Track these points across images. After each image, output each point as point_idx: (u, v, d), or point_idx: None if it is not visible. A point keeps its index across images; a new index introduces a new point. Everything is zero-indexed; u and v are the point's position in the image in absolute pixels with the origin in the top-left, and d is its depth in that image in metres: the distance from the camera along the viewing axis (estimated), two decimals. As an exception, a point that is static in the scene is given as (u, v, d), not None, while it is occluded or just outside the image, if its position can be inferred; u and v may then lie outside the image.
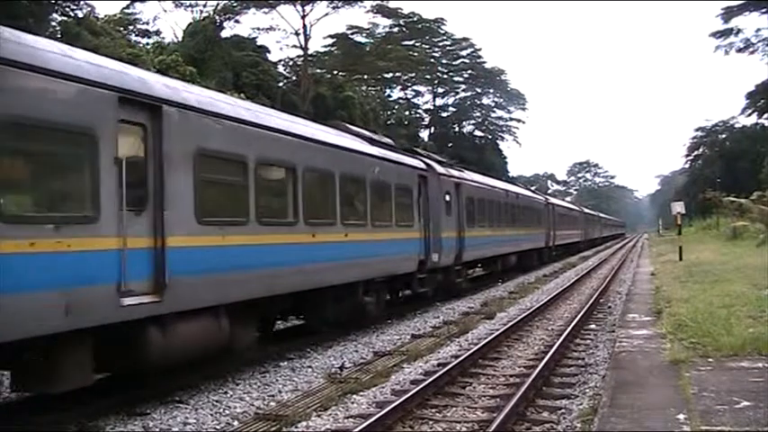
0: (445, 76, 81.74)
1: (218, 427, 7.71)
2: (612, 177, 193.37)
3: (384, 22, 67.80)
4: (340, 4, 55.24)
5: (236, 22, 51.79)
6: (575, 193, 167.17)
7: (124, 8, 50.50)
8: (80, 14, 35.60)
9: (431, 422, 7.63)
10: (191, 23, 44.75)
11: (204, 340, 8.72)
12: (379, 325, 14.90)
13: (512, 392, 8.40)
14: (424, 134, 78.78)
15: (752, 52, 68.45)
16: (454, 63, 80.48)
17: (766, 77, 68.37)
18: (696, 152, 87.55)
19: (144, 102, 7.82)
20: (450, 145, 75.21)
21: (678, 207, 31.18)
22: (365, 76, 68.56)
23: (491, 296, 20.80)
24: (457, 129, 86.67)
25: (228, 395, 8.98)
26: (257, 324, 10.57)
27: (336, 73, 61.42)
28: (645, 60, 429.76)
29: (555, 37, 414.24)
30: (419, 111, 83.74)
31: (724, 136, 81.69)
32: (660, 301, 14.22)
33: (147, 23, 53.47)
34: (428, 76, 79.43)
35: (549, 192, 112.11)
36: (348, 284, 12.64)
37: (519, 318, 14.80)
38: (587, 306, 16.50)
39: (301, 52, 55.60)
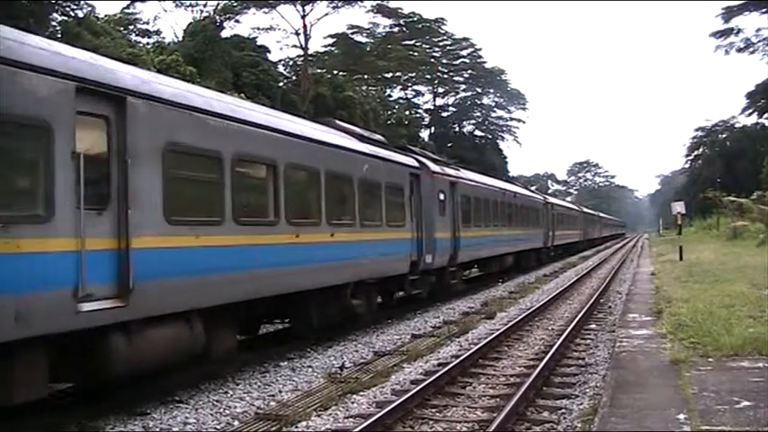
0: (445, 76, 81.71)
1: (218, 427, 7.71)
2: (612, 177, 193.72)
3: (384, 22, 67.98)
4: (340, 3, 55.27)
5: (237, 21, 51.87)
6: (575, 192, 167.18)
7: (124, 8, 50.55)
8: (80, 14, 35.61)
9: (431, 422, 7.63)
10: (191, 23, 44.72)
11: (176, 347, 8.23)
12: (379, 325, 14.91)
13: (512, 392, 8.41)
14: (425, 134, 78.75)
15: (752, 52, 68.68)
16: (454, 63, 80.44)
17: (766, 77, 68.54)
18: (696, 152, 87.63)
19: (106, 92, 7.30)
20: (450, 145, 75.18)
21: (678, 207, 31.20)
22: (365, 76, 68.60)
23: (491, 296, 20.80)
24: (457, 129, 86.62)
25: (228, 395, 8.98)
26: (237, 329, 10.18)
27: (336, 73, 61.46)
28: (645, 60, 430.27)
29: (555, 37, 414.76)
30: (419, 111, 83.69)
31: (724, 136, 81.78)
32: (660, 301, 14.22)
33: (147, 23, 53.55)
34: (428, 76, 79.42)
35: (550, 192, 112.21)
36: (335, 287, 12.12)
37: (519, 318, 14.81)
38: (587, 306, 16.50)
39: (301, 52, 55.63)
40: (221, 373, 9.93)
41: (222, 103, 9.89)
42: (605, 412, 6.36)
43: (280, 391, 9.19)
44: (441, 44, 76.39)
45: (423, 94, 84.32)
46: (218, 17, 47.70)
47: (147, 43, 46.27)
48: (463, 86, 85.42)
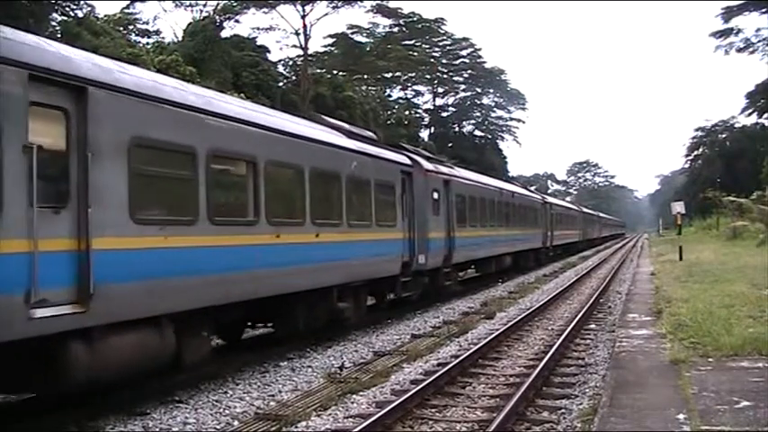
0: (445, 76, 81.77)
1: (218, 427, 7.71)
2: (612, 177, 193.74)
3: (384, 22, 68.06)
4: (340, 3, 55.30)
5: (236, 21, 51.95)
6: (575, 192, 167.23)
7: (124, 8, 50.59)
8: (80, 14, 35.68)
9: (431, 422, 7.63)
10: (191, 23, 44.77)
11: (143, 355, 7.74)
12: (379, 325, 14.91)
13: (512, 392, 8.41)
14: (425, 134, 78.80)
15: (752, 52, 68.72)
16: (454, 63, 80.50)
17: (766, 77, 68.57)
18: (696, 152, 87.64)
19: (65, 82, 6.75)
20: (450, 145, 75.24)
21: (678, 207, 31.21)
22: (365, 76, 68.65)
23: (491, 296, 20.80)
24: (457, 129, 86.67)
25: (228, 395, 8.97)
26: (212, 334, 9.77)
27: (336, 73, 61.50)
28: (645, 60, 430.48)
29: (555, 37, 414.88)
30: (419, 111, 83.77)
31: (724, 136, 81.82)
32: (660, 301, 14.22)
33: (147, 23, 53.65)
34: (428, 76, 79.48)
35: (549, 192, 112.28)
36: (321, 289, 11.63)
37: (519, 318, 14.81)
38: (587, 306, 16.50)
39: (301, 52, 55.67)
40: (221, 373, 9.92)
41: (196, 95, 9.30)
42: (605, 412, 6.36)
43: (279, 391, 9.18)
44: (440, 44, 76.46)
45: (422, 94, 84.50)
46: (217, 17, 47.76)
47: (147, 43, 46.32)
48: (463, 86, 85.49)
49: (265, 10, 53.34)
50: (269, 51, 52.00)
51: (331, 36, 64.83)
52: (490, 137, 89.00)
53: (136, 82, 7.90)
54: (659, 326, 11.19)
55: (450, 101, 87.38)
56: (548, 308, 17.35)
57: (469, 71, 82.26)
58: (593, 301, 17.54)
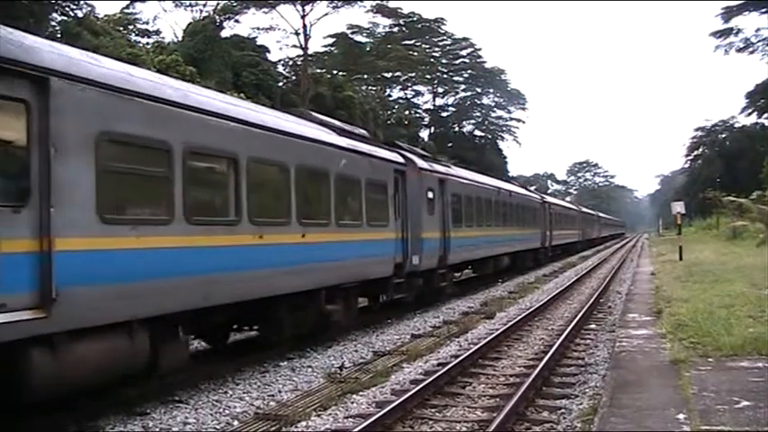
0: (445, 76, 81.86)
1: (218, 426, 7.71)
2: (612, 177, 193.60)
3: (384, 22, 68.18)
4: (340, 3, 55.40)
5: (236, 21, 52.06)
6: (575, 192, 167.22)
7: (124, 8, 50.69)
8: (80, 14, 35.70)
9: (431, 422, 7.63)
10: (191, 23, 44.83)
11: (114, 362, 7.34)
12: (379, 325, 14.90)
13: (512, 392, 8.41)
14: (424, 134, 78.88)
15: (752, 52, 68.80)
16: (454, 63, 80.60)
17: (766, 77, 68.60)
18: (696, 152, 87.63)
19: (23, 72, 6.30)
20: (450, 145, 75.33)
21: (678, 207, 31.17)
22: (365, 76, 68.75)
23: (491, 296, 20.79)
24: (457, 129, 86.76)
25: (228, 395, 8.97)
26: (191, 339, 9.39)
27: (336, 73, 61.53)
28: (645, 60, 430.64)
29: (555, 37, 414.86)
30: (419, 111, 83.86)
31: (724, 136, 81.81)
32: (660, 301, 14.21)
33: (147, 23, 53.74)
34: (428, 76, 79.55)
35: (549, 191, 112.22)
36: (308, 291, 11.23)
37: (519, 317, 14.80)
38: (587, 306, 16.50)
39: (301, 52, 55.71)
40: (221, 372, 9.93)
41: (173, 89, 8.81)
42: (605, 412, 6.36)
43: (279, 391, 9.18)
44: (440, 44, 76.59)
45: (422, 94, 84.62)
46: (217, 17, 47.81)
47: (147, 43, 46.33)
48: (463, 86, 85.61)
49: (265, 10, 53.47)
50: (269, 51, 52.13)
51: (331, 36, 65.02)
52: (490, 137, 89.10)
53: (104, 73, 7.43)
54: (659, 326, 11.19)
55: (450, 101, 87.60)
56: (548, 308, 17.34)
57: (469, 71, 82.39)
58: (593, 301, 17.53)
